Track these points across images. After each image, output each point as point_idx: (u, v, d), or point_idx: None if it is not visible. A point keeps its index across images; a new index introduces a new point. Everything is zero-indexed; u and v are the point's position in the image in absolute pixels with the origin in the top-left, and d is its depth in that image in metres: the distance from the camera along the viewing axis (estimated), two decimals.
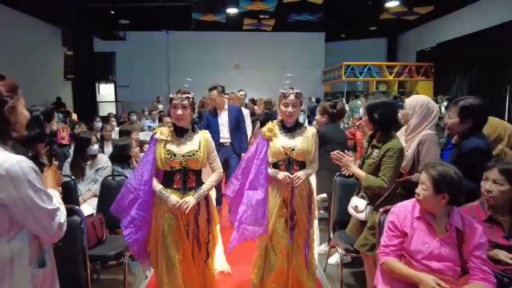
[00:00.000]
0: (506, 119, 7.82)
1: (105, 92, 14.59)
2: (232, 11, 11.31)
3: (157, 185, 2.27)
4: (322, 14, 11.82)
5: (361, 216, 2.39)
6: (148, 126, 8.11)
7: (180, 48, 14.87)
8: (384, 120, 2.31)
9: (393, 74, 13.55)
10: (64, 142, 3.84)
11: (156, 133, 2.31)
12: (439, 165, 1.81)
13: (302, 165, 2.48)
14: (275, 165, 2.48)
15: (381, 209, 2.19)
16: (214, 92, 4.48)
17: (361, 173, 2.35)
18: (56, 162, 1.72)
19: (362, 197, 2.42)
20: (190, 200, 2.23)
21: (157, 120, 8.27)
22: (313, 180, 3.09)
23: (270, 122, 2.55)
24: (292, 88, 2.44)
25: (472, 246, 1.77)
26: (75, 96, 6.84)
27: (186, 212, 2.20)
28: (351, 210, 2.50)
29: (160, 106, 11.51)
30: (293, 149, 2.42)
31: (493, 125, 2.74)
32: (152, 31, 14.64)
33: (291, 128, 2.49)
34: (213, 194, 2.53)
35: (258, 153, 2.45)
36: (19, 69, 9.83)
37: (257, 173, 2.40)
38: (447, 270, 1.77)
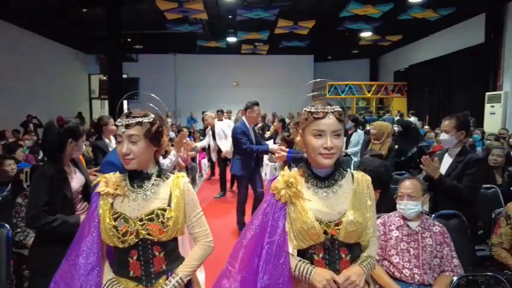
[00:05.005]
0: None
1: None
2: (231, 39, 13.36)
3: (106, 273, 1.43)
4: (309, 41, 13.80)
5: None
6: None
7: (186, 68, 16.88)
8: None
9: (371, 91, 15.53)
10: None
11: (100, 183, 1.45)
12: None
13: (355, 249, 1.37)
14: (303, 253, 1.36)
15: None
16: (259, 107, 4.59)
17: None
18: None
19: None
20: None
21: (171, 132, 9.67)
22: None
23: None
24: (330, 104, 1.33)
25: None
26: (110, 111, 9.04)
27: None
28: None
29: (169, 120, 13.33)
30: (337, 223, 1.30)
31: (379, 125, 4.56)
32: (161, 54, 16.66)
33: (327, 178, 1.36)
34: (200, 275, 1.67)
35: (269, 232, 1.30)
36: (51, 89, 12.27)
37: (274, 271, 1.26)
38: None
